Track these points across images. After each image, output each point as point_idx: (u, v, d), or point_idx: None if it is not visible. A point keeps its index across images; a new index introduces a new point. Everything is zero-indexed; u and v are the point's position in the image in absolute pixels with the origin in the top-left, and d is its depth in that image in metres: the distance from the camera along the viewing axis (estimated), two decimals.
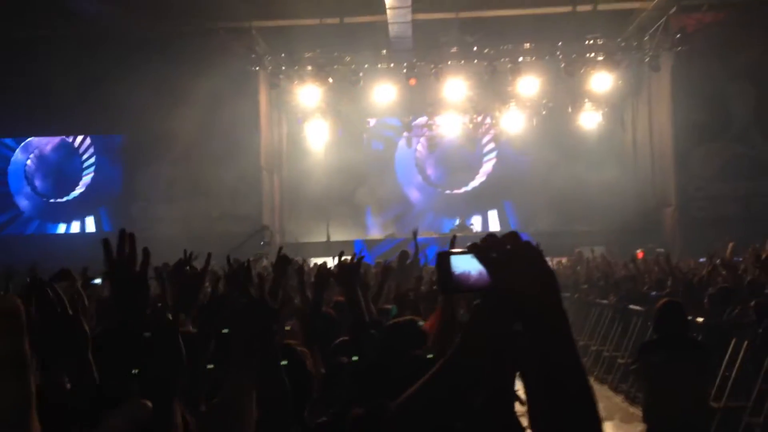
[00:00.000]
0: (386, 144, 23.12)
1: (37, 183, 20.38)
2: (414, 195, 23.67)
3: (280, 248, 4.79)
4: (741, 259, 11.40)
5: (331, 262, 12.97)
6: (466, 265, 1.32)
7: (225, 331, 3.48)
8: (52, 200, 20.32)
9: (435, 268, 1.36)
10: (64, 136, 20.44)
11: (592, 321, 12.31)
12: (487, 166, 23.60)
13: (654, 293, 9.38)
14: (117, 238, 2.08)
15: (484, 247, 1.29)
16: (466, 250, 1.33)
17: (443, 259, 1.34)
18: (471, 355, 1.65)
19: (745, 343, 7.37)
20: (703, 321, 8.02)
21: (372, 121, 22.36)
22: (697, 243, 16.14)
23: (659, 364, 5.13)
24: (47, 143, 20.64)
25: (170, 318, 2.48)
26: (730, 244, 13.28)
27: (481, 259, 1.29)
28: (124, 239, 2.01)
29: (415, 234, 11.04)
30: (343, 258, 4.38)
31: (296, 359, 3.06)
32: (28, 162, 20.42)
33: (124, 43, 17.69)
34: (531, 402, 1.27)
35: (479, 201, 23.40)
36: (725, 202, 18.28)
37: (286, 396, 2.82)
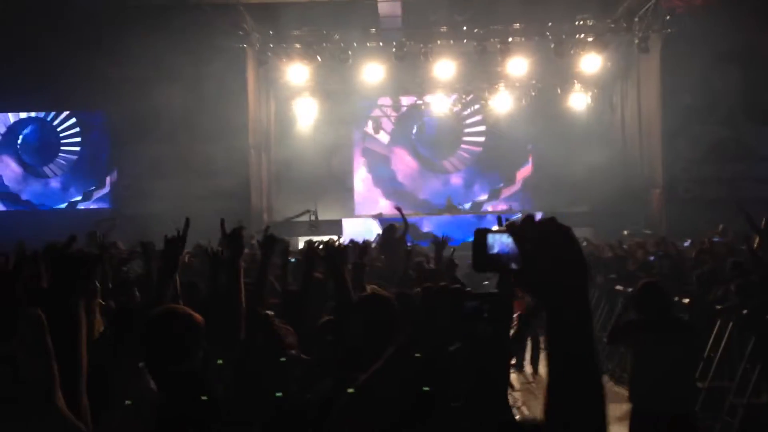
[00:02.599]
0: (374, 122, 23.04)
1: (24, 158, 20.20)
2: (403, 174, 23.63)
3: (267, 227, 4.76)
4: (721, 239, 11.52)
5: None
6: (501, 243, 1.32)
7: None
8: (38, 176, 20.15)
9: (471, 245, 1.36)
10: (43, 112, 20.15)
11: None
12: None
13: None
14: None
15: (521, 227, 1.30)
16: (503, 228, 1.33)
17: (480, 236, 1.34)
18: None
19: (730, 324, 7.43)
20: (690, 302, 8.08)
21: (361, 100, 22.26)
22: (683, 224, 16.25)
23: (646, 345, 5.14)
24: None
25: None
26: (720, 227, 13.41)
27: (517, 239, 1.30)
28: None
29: (400, 210, 10.99)
30: (330, 240, 4.35)
31: (275, 334, 3.05)
32: None
33: (107, 17, 17.39)
34: (548, 381, 1.30)
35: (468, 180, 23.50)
36: (711, 184, 18.37)
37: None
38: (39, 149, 20.16)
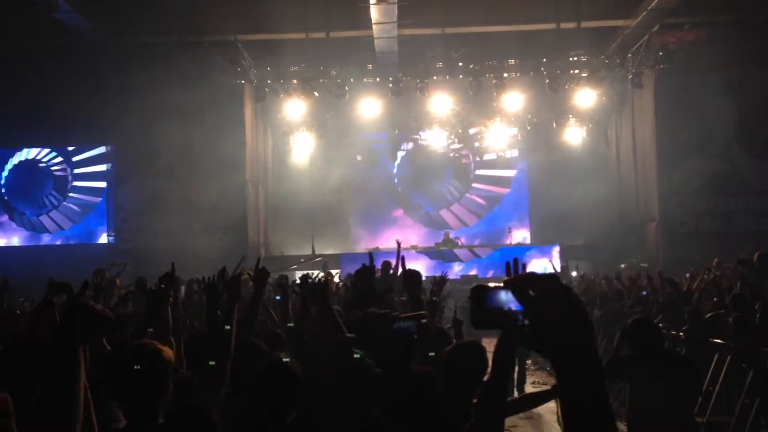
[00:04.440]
0: (371, 157, 23.12)
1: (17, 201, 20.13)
2: (399, 209, 23.64)
3: (258, 259, 4.79)
4: (719, 272, 11.50)
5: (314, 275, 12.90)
6: (500, 300, 1.32)
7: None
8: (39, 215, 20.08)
9: (469, 301, 1.36)
10: (46, 147, 20.22)
11: None
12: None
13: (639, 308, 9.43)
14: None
15: (522, 284, 1.30)
16: (501, 285, 1.33)
17: (479, 292, 1.34)
18: None
19: (728, 357, 7.41)
20: (686, 335, 8.06)
21: (358, 135, 22.40)
22: (679, 258, 16.28)
23: (644, 380, 5.13)
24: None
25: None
26: (715, 260, 13.40)
27: (518, 296, 1.30)
28: None
29: (399, 244, 11.08)
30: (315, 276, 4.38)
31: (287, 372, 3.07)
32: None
33: (108, 55, 17.62)
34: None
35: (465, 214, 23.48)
36: (707, 217, 18.45)
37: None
38: (37, 187, 20.15)
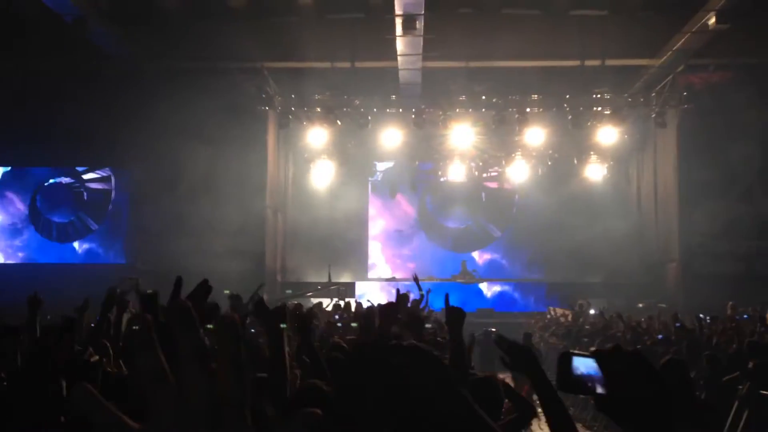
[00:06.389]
0: (390, 187, 23.16)
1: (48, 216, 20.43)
2: (416, 239, 23.63)
3: (260, 285, 4.75)
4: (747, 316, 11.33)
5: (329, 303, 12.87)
6: (586, 367, 1.40)
7: None
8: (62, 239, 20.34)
9: (557, 366, 1.45)
10: (69, 168, 20.51)
11: None
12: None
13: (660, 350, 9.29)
14: None
15: (610, 356, 1.38)
16: (588, 353, 1.41)
17: (565, 358, 1.43)
18: None
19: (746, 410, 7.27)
20: (705, 382, 7.93)
21: (378, 165, 22.48)
22: (699, 300, 16.07)
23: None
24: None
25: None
26: (729, 304, 13.21)
27: (604, 368, 1.37)
28: None
29: (416, 278, 11.05)
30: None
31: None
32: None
33: (133, 79, 17.88)
34: None
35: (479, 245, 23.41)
36: (728, 260, 18.22)
37: None
38: (61, 207, 20.44)
